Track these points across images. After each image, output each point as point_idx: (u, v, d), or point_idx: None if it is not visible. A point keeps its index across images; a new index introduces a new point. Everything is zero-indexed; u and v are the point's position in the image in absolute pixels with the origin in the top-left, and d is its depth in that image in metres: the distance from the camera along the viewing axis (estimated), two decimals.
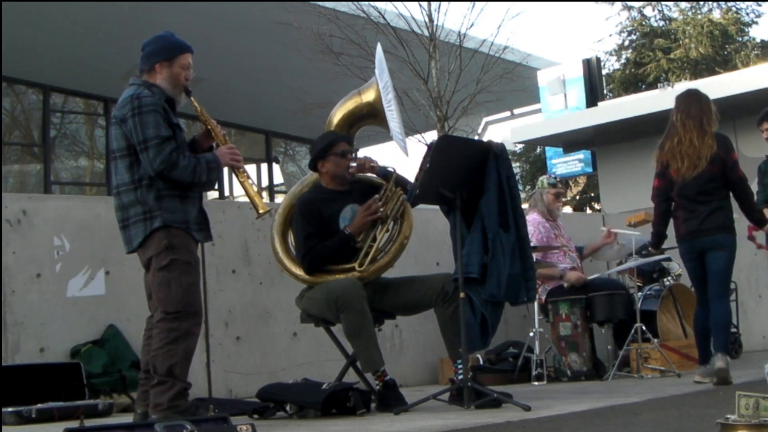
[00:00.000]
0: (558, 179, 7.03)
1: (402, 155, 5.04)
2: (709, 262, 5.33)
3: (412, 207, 4.89)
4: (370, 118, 5.05)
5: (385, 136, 4.99)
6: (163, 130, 3.93)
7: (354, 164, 4.81)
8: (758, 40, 23.53)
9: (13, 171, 15.74)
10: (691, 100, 5.43)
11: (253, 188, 4.19)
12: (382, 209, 4.71)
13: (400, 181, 4.82)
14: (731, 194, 5.39)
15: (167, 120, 3.98)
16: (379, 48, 5.20)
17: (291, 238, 4.92)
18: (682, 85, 17.68)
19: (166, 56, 4.08)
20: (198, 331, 4.07)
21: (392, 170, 4.84)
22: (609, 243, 6.73)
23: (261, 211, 4.15)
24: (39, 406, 4.71)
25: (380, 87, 4.91)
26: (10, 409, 4.60)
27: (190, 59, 4.14)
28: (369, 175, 4.92)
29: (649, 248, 5.81)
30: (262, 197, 4.17)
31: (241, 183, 4.19)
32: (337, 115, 5.04)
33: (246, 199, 4.32)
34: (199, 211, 4.13)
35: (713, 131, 5.34)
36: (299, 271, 4.77)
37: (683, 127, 5.32)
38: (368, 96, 5.00)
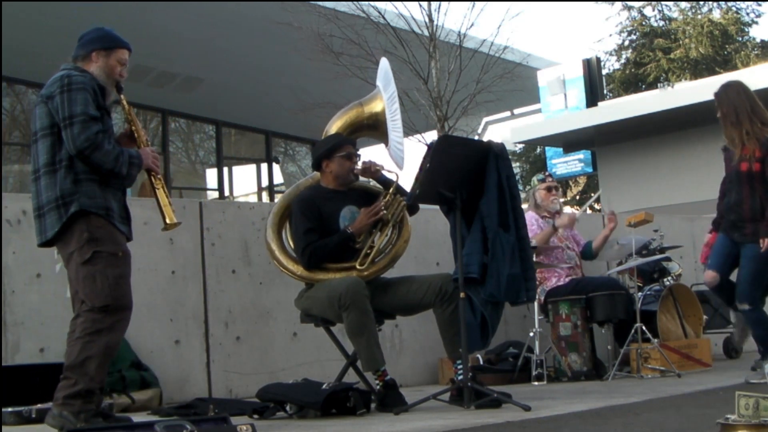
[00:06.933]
0: (548, 174, 7.00)
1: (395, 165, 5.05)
2: None
3: (412, 209, 4.93)
4: (370, 129, 5.06)
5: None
6: (92, 110, 3.74)
7: (359, 166, 4.85)
8: (758, 40, 23.61)
9: (13, 171, 15.73)
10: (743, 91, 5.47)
11: (167, 198, 3.96)
12: (384, 211, 4.77)
13: (400, 191, 4.86)
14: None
15: (96, 102, 3.80)
16: (384, 60, 5.21)
17: (286, 237, 4.95)
18: (682, 85, 17.70)
19: (105, 46, 3.98)
20: (124, 327, 3.86)
21: (394, 178, 4.88)
22: (614, 226, 6.70)
23: (168, 222, 3.93)
24: (39, 406, 4.68)
25: (385, 99, 4.93)
26: (10, 409, 4.60)
27: (127, 56, 4.03)
28: (363, 180, 4.97)
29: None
30: (173, 210, 3.97)
31: (155, 189, 3.96)
32: (336, 123, 5.04)
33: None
34: (122, 206, 3.92)
35: None
36: (297, 268, 4.78)
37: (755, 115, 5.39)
38: (371, 107, 5.01)
